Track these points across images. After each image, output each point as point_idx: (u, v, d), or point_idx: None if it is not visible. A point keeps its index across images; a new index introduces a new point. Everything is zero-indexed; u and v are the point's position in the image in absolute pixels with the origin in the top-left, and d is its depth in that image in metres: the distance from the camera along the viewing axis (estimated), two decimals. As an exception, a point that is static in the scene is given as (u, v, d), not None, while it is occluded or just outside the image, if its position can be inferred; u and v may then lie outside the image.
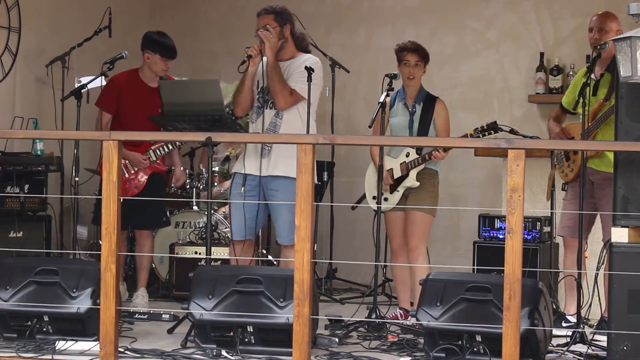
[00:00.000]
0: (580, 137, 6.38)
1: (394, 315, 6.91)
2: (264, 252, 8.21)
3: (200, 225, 8.20)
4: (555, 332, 5.88)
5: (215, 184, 8.58)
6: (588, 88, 6.32)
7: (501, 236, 7.32)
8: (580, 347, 5.83)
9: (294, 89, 6.40)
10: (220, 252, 7.76)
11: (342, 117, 9.34)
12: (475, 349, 5.40)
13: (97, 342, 5.40)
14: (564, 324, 6.54)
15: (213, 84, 6.40)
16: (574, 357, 5.74)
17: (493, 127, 6.67)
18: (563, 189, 6.88)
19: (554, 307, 6.64)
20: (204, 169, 8.56)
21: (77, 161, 7.11)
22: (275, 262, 7.89)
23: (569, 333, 6.02)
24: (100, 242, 5.40)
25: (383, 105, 6.76)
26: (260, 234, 7.79)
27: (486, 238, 7.58)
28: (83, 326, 5.75)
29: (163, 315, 6.82)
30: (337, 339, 5.97)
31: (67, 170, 7.84)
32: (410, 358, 5.65)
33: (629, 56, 5.08)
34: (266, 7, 6.54)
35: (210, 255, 6.33)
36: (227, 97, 7.31)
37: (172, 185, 8.08)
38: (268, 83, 6.42)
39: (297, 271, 5.12)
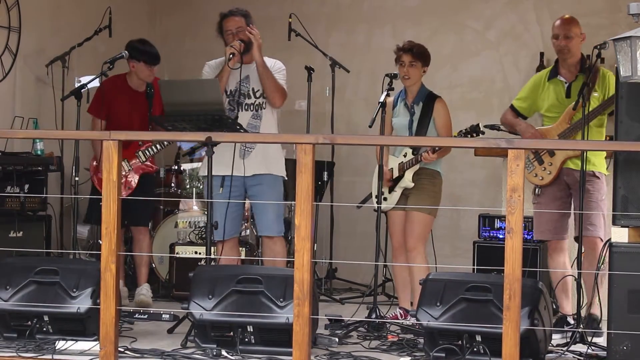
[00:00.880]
0: (581, 137, 6.37)
1: (393, 315, 6.91)
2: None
3: (201, 225, 8.19)
4: (555, 336, 5.89)
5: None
6: (586, 88, 6.32)
7: (501, 236, 7.32)
8: (580, 347, 5.83)
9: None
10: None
11: (342, 117, 9.33)
12: (475, 349, 5.40)
13: (97, 342, 5.41)
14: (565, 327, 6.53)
15: (213, 83, 6.41)
16: (573, 357, 5.74)
17: (475, 130, 6.67)
18: (535, 193, 6.77)
19: (554, 308, 6.62)
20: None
21: (77, 161, 7.13)
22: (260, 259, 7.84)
23: (568, 334, 6.02)
24: (100, 242, 5.41)
25: (383, 105, 6.78)
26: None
27: (486, 238, 7.59)
28: (83, 326, 5.75)
29: (163, 315, 6.82)
30: (337, 339, 5.97)
31: (67, 170, 7.85)
32: (410, 358, 5.65)
33: (629, 56, 5.07)
34: (233, 9, 6.69)
35: (210, 255, 6.33)
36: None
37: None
38: (262, 83, 6.61)
39: (297, 271, 5.12)
